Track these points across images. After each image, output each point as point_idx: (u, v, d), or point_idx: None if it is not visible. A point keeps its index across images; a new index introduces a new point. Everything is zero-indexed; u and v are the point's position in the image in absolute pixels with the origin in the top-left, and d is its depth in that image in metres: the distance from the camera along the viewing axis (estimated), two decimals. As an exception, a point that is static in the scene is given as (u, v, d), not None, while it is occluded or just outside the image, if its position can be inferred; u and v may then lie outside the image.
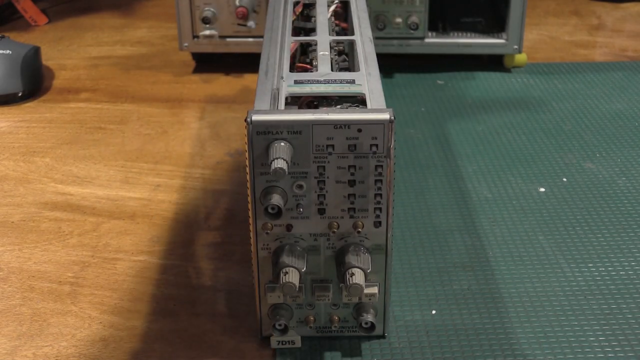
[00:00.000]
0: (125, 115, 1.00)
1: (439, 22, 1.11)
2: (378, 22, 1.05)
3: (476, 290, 0.68)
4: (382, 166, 0.55)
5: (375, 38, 0.93)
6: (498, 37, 1.08)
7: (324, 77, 0.60)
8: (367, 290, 0.57)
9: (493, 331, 0.63)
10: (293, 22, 0.74)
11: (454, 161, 0.88)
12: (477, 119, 0.97)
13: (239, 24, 1.07)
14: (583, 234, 0.75)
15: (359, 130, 0.54)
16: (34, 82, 1.06)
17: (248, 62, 1.11)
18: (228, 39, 1.09)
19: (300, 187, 0.55)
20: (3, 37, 1.08)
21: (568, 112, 0.99)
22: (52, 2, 1.41)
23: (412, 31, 1.05)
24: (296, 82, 0.60)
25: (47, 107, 1.03)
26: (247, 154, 0.54)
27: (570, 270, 0.70)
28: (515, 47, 1.08)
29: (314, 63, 0.67)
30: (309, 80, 0.60)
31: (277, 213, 0.55)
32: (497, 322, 0.64)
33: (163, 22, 1.32)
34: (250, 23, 1.07)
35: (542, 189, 0.82)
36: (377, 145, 0.54)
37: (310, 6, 0.80)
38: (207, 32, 1.08)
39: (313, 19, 0.78)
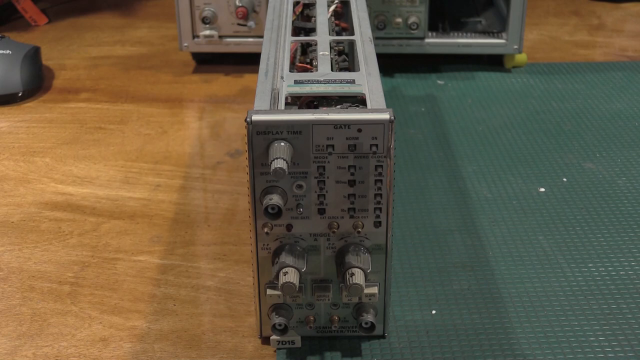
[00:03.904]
0: (125, 115, 1.00)
1: (439, 22, 1.11)
2: (378, 22, 1.05)
3: (476, 290, 0.68)
4: (382, 166, 0.55)
5: (375, 38, 0.93)
6: (498, 37, 1.08)
7: (324, 77, 0.60)
8: (367, 290, 0.57)
9: (493, 331, 0.63)
10: (293, 22, 0.74)
11: (454, 161, 0.88)
12: (477, 119, 0.97)
13: (239, 24, 1.07)
14: (583, 234, 0.75)
15: (359, 130, 0.54)
16: (34, 82, 1.06)
17: (248, 62, 1.11)
18: (228, 39, 1.09)
19: (300, 187, 0.55)
20: (3, 37, 1.08)
21: (568, 112, 0.99)
22: (52, 2, 1.41)
23: (412, 31, 1.05)
24: (296, 82, 0.60)
25: (47, 107, 1.03)
26: (247, 154, 0.54)
27: (570, 270, 0.70)
28: (515, 47, 1.08)
29: (314, 63, 0.67)
30: (309, 80, 0.60)
31: (277, 213, 0.55)
32: (497, 322, 0.64)
33: (163, 22, 1.32)
34: (250, 23, 1.07)
35: (542, 189, 0.82)
36: (377, 145, 0.54)
37: (310, 6, 0.80)
38: (207, 32, 1.08)
39: (313, 19, 0.78)
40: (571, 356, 0.60)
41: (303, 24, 0.77)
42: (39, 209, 0.81)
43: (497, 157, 0.88)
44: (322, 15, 0.74)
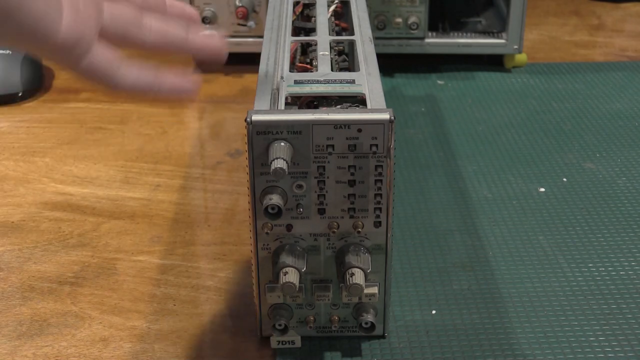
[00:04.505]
0: (125, 115, 1.00)
1: (439, 22, 1.11)
2: (378, 22, 1.05)
3: (476, 290, 0.68)
4: (382, 166, 0.55)
5: (375, 38, 0.93)
6: (498, 37, 1.08)
7: (324, 77, 0.60)
8: (367, 290, 0.57)
9: (493, 331, 0.63)
10: (293, 22, 0.74)
11: (454, 161, 0.88)
12: (477, 119, 0.97)
13: (239, 24, 1.07)
14: (583, 234, 0.75)
15: (359, 130, 0.54)
16: (34, 82, 1.05)
17: (248, 62, 1.11)
18: (228, 39, 1.09)
19: (300, 187, 0.55)
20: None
21: (568, 112, 0.99)
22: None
23: (412, 31, 1.05)
24: (296, 82, 0.60)
25: (47, 107, 1.03)
26: (247, 154, 0.54)
27: (570, 270, 0.70)
28: (515, 47, 1.08)
29: (314, 63, 0.67)
30: (309, 80, 0.60)
31: (277, 213, 0.55)
32: (497, 322, 0.64)
33: (163, 22, 1.32)
34: (250, 23, 1.07)
35: (542, 189, 0.82)
36: (377, 145, 0.54)
37: (310, 6, 0.80)
38: (207, 32, 1.08)
39: (313, 19, 0.78)
40: (571, 356, 0.60)
41: (303, 24, 0.77)
42: (39, 209, 0.81)
43: (497, 157, 0.88)
44: (322, 15, 0.74)
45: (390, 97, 1.03)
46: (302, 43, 0.71)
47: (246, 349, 0.62)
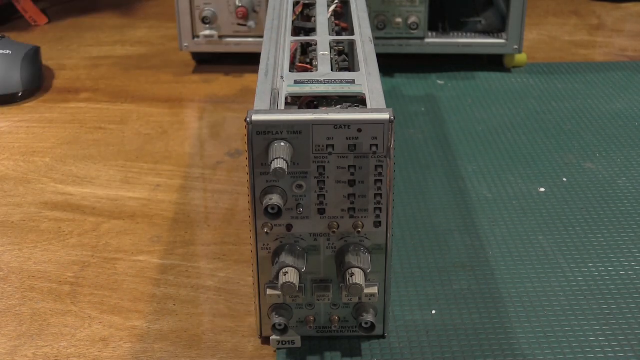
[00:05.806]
0: (125, 115, 1.00)
1: (439, 22, 1.11)
2: (378, 22, 1.05)
3: (476, 290, 0.68)
4: (382, 166, 0.55)
5: (375, 38, 0.93)
6: (498, 37, 1.08)
7: (324, 77, 0.60)
8: (367, 290, 0.57)
9: (493, 331, 0.63)
10: (293, 22, 0.74)
11: (454, 161, 0.88)
12: (477, 119, 0.97)
13: (239, 24, 1.07)
14: (583, 234, 0.75)
15: (359, 130, 0.54)
16: (34, 82, 1.06)
17: (248, 62, 1.11)
18: (228, 39, 1.09)
19: (300, 187, 0.55)
20: (3, 37, 1.08)
21: (568, 112, 0.99)
22: (52, 2, 1.41)
23: (412, 31, 1.05)
24: (296, 82, 0.60)
25: (47, 107, 1.03)
26: (247, 154, 0.54)
27: (570, 270, 0.70)
28: (515, 47, 1.08)
29: (314, 63, 0.67)
30: (309, 80, 0.60)
31: (277, 213, 0.55)
32: (497, 322, 0.64)
33: (163, 22, 1.32)
34: (250, 23, 1.07)
35: (542, 189, 0.82)
36: (377, 145, 0.54)
37: (310, 6, 0.80)
38: (207, 32, 1.08)
39: (313, 19, 0.78)
40: (571, 356, 0.60)
41: (303, 24, 0.77)
42: (39, 209, 0.81)
43: (497, 157, 0.88)
44: (322, 15, 0.74)
45: (390, 97, 1.03)
46: (302, 43, 0.71)
47: (246, 349, 0.62)
